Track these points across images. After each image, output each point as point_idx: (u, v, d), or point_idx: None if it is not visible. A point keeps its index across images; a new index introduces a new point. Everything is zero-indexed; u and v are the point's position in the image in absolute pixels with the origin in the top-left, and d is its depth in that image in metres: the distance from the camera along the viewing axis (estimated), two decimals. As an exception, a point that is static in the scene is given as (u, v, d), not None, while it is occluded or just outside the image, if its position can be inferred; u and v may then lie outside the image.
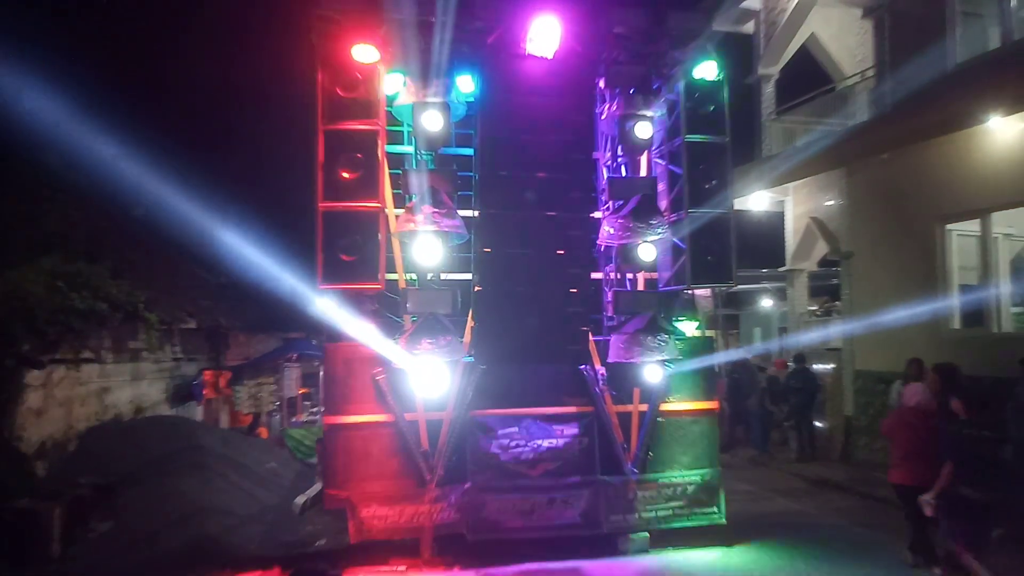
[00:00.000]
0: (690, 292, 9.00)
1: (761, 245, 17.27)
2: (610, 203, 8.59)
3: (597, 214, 8.74)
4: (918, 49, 11.29)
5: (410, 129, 8.11)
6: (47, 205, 11.31)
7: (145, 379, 12.55)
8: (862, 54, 14.45)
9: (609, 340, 8.27)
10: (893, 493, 7.60)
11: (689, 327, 9.22)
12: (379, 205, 7.61)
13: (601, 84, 8.74)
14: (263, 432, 14.44)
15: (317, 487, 9.55)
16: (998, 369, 9.41)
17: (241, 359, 15.65)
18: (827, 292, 16.80)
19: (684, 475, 8.37)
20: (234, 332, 15.80)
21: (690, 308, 9.26)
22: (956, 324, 11.13)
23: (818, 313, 16.01)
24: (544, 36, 8.14)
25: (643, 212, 8.15)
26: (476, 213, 8.30)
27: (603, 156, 8.99)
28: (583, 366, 8.35)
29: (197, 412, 13.65)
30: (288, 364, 15.28)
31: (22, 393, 9.93)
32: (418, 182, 7.52)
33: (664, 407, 8.38)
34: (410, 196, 7.63)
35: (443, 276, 8.01)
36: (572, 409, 8.22)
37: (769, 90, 15.90)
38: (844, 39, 15.32)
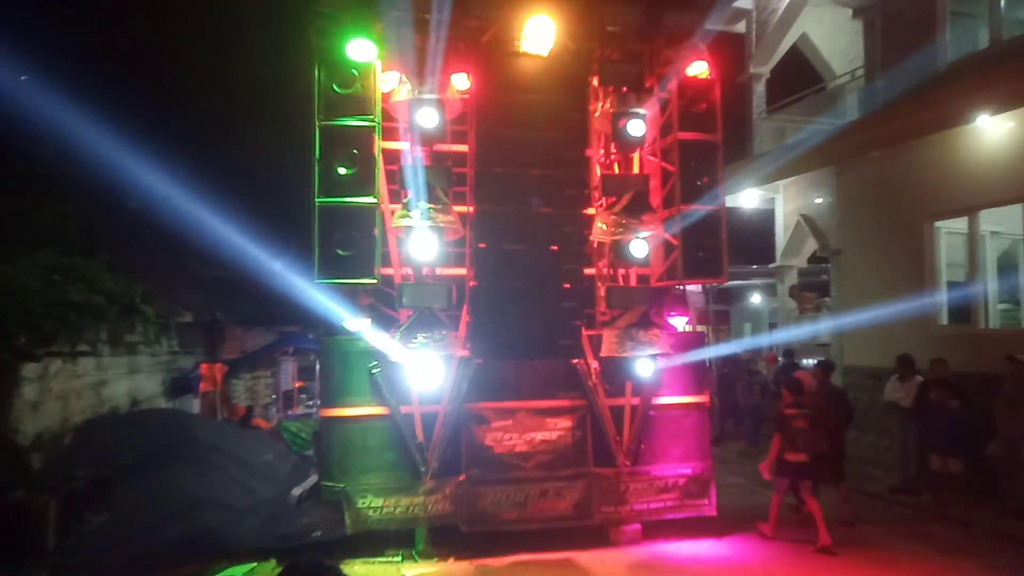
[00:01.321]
0: (682, 288, 9.09)
1: (752, 242, 17.39)
2: (603, 200, 8.67)
3: (590, 210, 8.81)
4: (908, 49, 11.38)
5: (406, 125, 8.16)
6: (42, 199, 11.28)
7: (142, 372, 12.56)
8: (853, 53, 14.54)
9: (602, 335, 8.36)
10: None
11: (680, 322, 9.32)
12: (375, 201, 7.67)
13: (595, 82, 8.81)
14: (264, 423, 14.45)
15: (313, 479, 9.63)
16: (985, 365, 9.54)
17: (238, 353, 15.66)
18: (816, 288, 16.95)
19: (675, 467, 8.49)
20: (231, 326, 15.79)
21: (682, 304, 9.35)
22: (944, 320, 11.25)
23: (807, 309, 16.14)
24: (538, 34, 8.21)
25: (636, 209, 8.20)
26: (471, 209, 8.37)
27: (596, 153, 9.07)
28: (576, 360, 8.44)
29: (194, 405, 13.66)
30: (284, 358, 15.32)
31: (18, 386, 9.92)
32: (414, 178, 7.58)
33: (656, 401, 8.49)
34: (406, 192, 7.70)
35: (438, 271, 8.09)
36: (565, 403, 8.31)
37: (760, 89, 15.98)
38: (835, 39, 15.41)
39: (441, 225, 7.58)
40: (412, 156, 7.88)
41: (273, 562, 7.46)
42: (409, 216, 7.53)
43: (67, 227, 11.27)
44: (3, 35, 10.16)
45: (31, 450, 10.02)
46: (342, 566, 6.93)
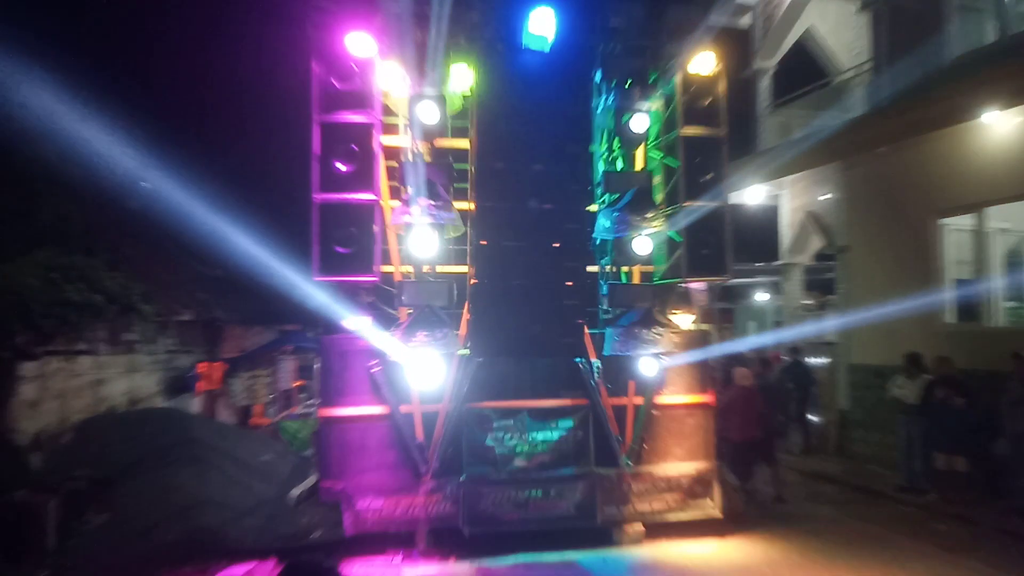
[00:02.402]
0: (685, 285, 9.00)
1: (756, 239, 17.25)
2: (606, 196, 8.59)
3: (593, 207, 8.73)
4: (914, 43, 11.25)
5: (406, 121, 8.08)
6: (42, 198, 11.26)
7: (140, 371, 12.51)
8: (858, 48, 14.41)
9: (605, 333, 8.28)
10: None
11: (684, 320, 9.23)
12: (375, 197, 7.59)
13: (597, 77, 8.72)
14: (264, 420, 14.38)
15: (313, 479, 9.55)
16: (992, 363, 9.44)
17: (236, 351, 15.59)
18: (822, 286, 16.83)
19: (679, 467, 8.40)
20: (230, 324, 15.73)
21: (685, 301, 9.27)
22: (950, 318, 11.14)
23: (813, 307, 16.04)
24: (541, 28, 8.13)
25: (639, 205, 8.16)
26: (472, 206, 8.29)
27: (599, 149, 8.98)
28: (579, 359, 8.36)
29: (192, 404, 13.60)
30: (284, 356, 15.26)
31: (17, 385, 9.91)
32: (414, 174, 7.50)
33: (659, 400, 8.40)
34: (406, 188, 7.62)
35: (439, 269, 8.01)
36: (567, 402, 8.24)
37: (765, 84, 15.84)
38: (841, 33, 15.28)
39: (442, 222, 7.50)
40: (412, 152, 7.80)
41: (273, 562, 7.39)
42: (409, 213, 7.45)
43: (66, 226, 11.25)
44: (4, 33, 10.12)
45: (30, 450, 10.00)
46: (342, 567, 6.93)
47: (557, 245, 8.44)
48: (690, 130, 8.50)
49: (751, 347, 15.97)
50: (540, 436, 8.06)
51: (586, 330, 8.45)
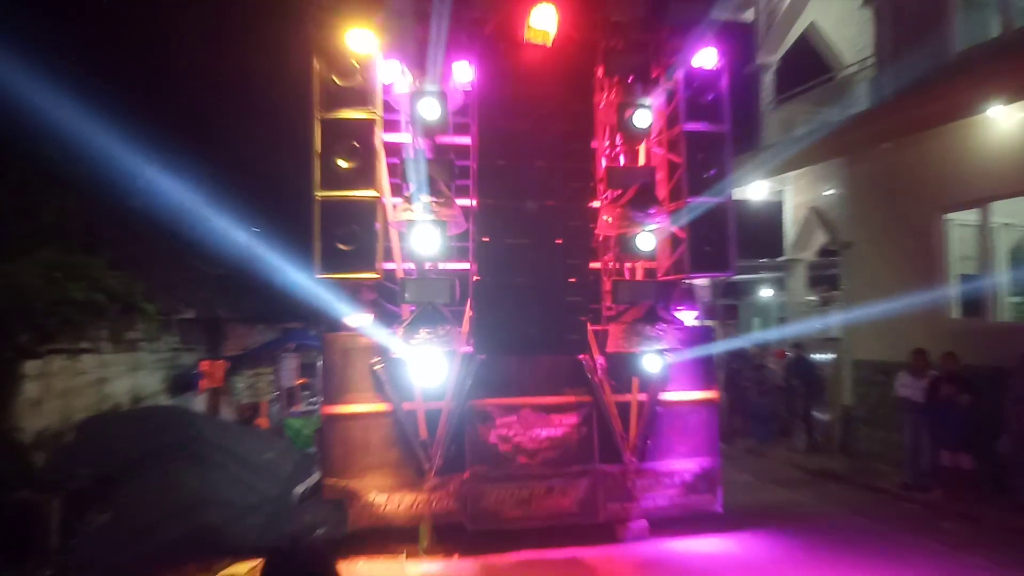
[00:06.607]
0: (689, 282, 8.98)
1: (760, 235, 17.19)
2: (609, 192, 8.56)
3: (596, 203, 8.70)
4: (918, 38, 11.21)
5: (407, 117, 8.06)
6: (44, 197, 11.27)
7: (143, 369, 12.52)
8: (862, 43, 14.36)
9: (608, 330, 8.26)
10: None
11: (688, 316, 9.20)
12: (376, 194, 7.59)
13: (600, 72, 8.69)
14: (263, 422, 14.41)
15: (316, 477, 9.56)
16: (997, 359, 9.39)
17: (239, 349, 15.61)
18: (826, 282, 16.77)
19: (683, 464, 8.38)
20: (232, 322, 15.75)
21: (689, 298, 9.24)
22: (955, 314, 11.10)
23: (817, 303, 16.01)
24: (542, 24, 8.09)
25: (642, 201, 8.11)
26: (474, 202, 8.27)
27: (602, 145, 8.95)
28: (582, 356, 8.34)
29: (195, 402, 13.61)
30: (286, 354, 15.27)
31: (20, 384, 9.91)
32: (415, 171, 7.48)
33: (663, 396, 8.38)
34: (407, 185, 7.60)
35: (441, 266, 7.99)
36: (571, 399, 8.23)
37: (769, 79, 15.81)
38: (844, 28, 15.24)
39: (444, 219, 7.49)
40: (414, 149, 7.77)
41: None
42: (411, 210, 7.43)
43: (69, 225, 11.26)
44: (6, 33, 10.11)
45: (33, 448, 10.00)
46: (345, 563, 6.84)
47: (560, 242, 8.40)
48: (693, 125, 8.48)
49: (753, 343, 15.98)
50: (543, 433, 8.05)
51: (589, 327, 8.43)
